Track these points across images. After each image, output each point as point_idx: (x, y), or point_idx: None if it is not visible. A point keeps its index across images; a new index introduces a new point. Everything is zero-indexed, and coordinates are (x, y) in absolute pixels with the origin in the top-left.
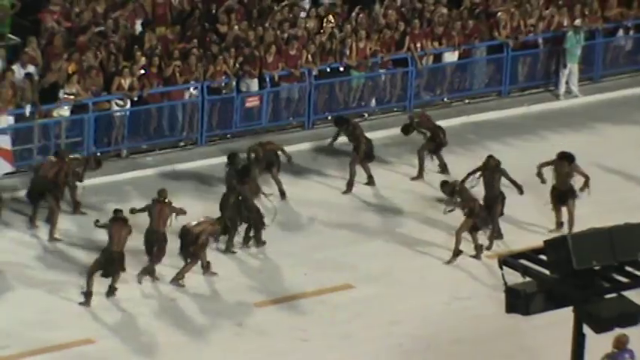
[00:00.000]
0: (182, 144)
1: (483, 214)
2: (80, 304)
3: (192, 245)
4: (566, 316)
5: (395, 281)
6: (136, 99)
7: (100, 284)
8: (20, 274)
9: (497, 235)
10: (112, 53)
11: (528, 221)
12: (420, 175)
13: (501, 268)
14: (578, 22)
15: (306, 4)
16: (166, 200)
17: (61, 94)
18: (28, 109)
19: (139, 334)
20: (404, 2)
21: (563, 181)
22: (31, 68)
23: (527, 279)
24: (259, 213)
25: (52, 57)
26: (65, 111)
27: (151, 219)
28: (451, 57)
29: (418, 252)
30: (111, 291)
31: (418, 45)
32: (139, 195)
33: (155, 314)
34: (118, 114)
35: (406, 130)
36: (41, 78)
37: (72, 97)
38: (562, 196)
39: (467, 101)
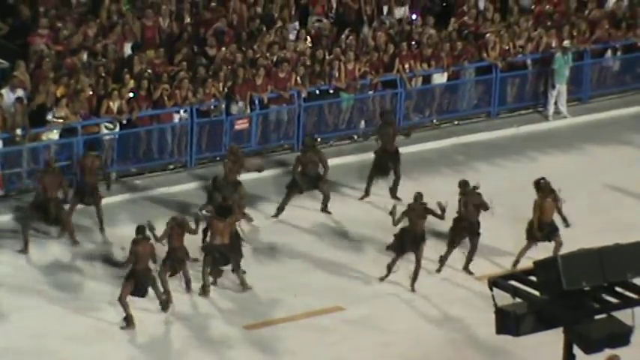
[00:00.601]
0: (171, 167)
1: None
2: (122, 327)
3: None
4: (556, 337)
5: (385, 303)
6: (124, 122)
7: (97, 310)
8: (11, 297)
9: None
10: (102, 77)
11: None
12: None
13: (491, 290)
14: (566, 42)
15: (295, 27)
16: (181, 220)
17: (49, 118)
18: (18, 133)
19: (128, 359)
20: (392, 24)
21: (549, 213)
22: (20, 92)
23: (518, 300)
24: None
25: (41, 80)
26: (54, 134)
27: (170, 239)
28: (440, 78)
29: (408, 274)
30: (165, 304)
31: (407, 67)
32: (128, 218)
33: (144, 339)
34: (107, 137)
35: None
36: (30, 101)
37: (61, 120)
38: (550, 230)
39: (456, 122)
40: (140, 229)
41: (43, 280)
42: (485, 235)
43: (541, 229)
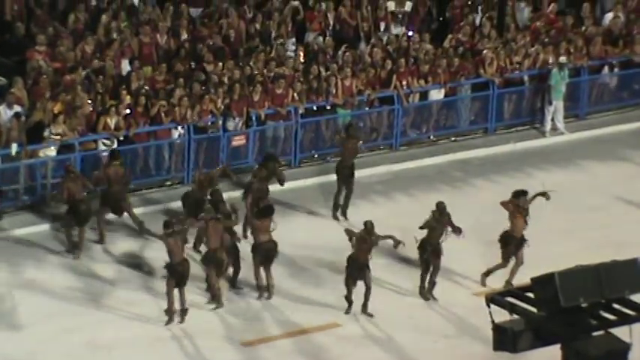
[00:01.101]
0: (169, 183)
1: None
2: (166, 323)
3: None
4: (554, 353)
5: (381, 320)
6: (122, 138)
7: (87, 323)
8: (6, 311)
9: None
10: (99, 93)
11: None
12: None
13: (489, 306)
14: (562, 58)
15: (293, 44)
16: (219, 217)
17: (46, 134)
18: (14, 148)
19: None
20: (390, 41)
21: (520, 228)
22: (17, 108)
23: (515, 317)
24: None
25: (38, 97)
26: (51, 151)
27: (207, 239)
28: (437, 95)
29: (404, 290)
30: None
31: (404, 83)
32: (125, 234)
33: (141, 354)
34: (105, 154)
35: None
36: (27, 118)
37: (58, 137)
38: (520, 242)
39: (453, 139)
40: (167, 224)
41: (37, 293)
42: (480, 251)
43: (508, 240)
